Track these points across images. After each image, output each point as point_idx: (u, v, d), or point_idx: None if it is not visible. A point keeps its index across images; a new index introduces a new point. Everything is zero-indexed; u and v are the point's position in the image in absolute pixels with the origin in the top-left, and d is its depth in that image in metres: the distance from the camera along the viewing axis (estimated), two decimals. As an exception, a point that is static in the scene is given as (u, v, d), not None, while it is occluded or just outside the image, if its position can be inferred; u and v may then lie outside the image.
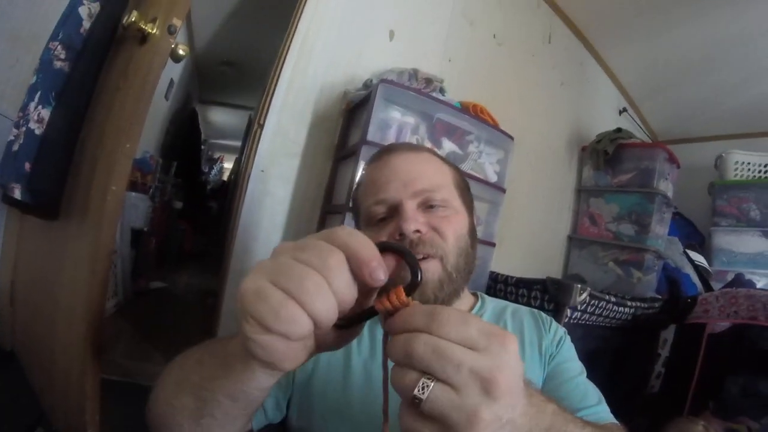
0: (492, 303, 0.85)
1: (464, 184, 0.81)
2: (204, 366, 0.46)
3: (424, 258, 0.67)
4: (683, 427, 1.39)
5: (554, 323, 0.85)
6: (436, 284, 0.67)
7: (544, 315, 0.87)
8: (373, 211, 0.74)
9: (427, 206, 0.72)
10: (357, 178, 1.63)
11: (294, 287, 0.33)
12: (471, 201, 0.81)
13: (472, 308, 0.81)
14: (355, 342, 0.72)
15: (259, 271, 0.34)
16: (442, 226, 0.70)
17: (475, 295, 0.87)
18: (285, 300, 0.32)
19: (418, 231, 0.68)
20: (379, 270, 0.34)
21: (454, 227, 0.71)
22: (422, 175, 0.73)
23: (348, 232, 0.36)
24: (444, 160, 0.82)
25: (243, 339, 0.35)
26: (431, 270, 0.67)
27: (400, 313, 0.36)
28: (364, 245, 0.35)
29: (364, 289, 0.36)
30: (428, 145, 1.78)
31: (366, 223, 0.76)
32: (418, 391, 0.31)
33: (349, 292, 0.34)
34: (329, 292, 0.33)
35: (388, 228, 0.70)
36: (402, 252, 0.39)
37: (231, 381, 0.43)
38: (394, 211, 0.71)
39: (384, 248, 0.38)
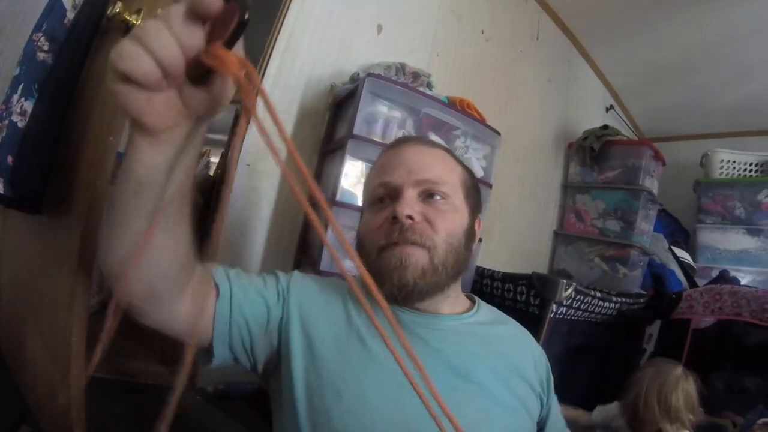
0: (487, 308, 0.85)
1: (473, 185, 0.81)
2: (122, 173, 0.45)
3: (411, 244, 0.67)
4: (662, 369, 1.38)
5: (547, 364, 0.85)
6: (418, 271, 0.67)
7: (539, 347, 0.86)
8: (375, 191, 0.75)
9: (427, 196, 0.72)
10: (343, 171, 1.64)
11: (138, 33, 0.35)
12: (478, 204, 0.81)
13: (468, 310, 0.80)
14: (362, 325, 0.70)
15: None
16: (436, 219, 0.70)
17: (471, 298, 0.86)
18: (130, 44, 0.35)
19: (410, 217, 0.68)
20: None
21: (447, 223, 0.71)
22: (429, 167, 0.74)
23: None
24: (458, 160, 0.82)
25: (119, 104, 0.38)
26: (416, 256, 0.67)
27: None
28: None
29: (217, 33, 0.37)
30: (414, 140, 1.78)
31: (368, 203, 0.78)
32: None
33: (188, 33, 0.36)
34: (168, 33, 0.35)
35: (386, 211, 0.71)
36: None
37: (131, 168, 0.43)
38: (395, 195, 0.72)
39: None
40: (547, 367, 0.84)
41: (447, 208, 0.72)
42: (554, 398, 0.84)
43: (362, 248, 0.74)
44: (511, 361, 0.75)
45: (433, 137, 1.79)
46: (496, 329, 0.80)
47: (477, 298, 0.85)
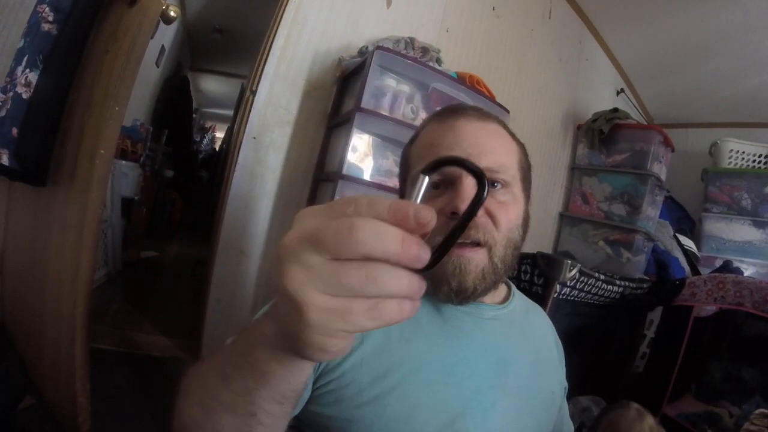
0: (518, 294, 0.80)
1: (527, 165, 0.74)
2: (232, 381, 0.41)
3: (472, 244, 0.62)
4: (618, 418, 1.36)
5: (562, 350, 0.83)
6: (478, 275, 0.62)
7: (557, 339, 0.84)
8: None
9: None
10: (350, 144, 1.61)
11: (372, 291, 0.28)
12: (530, 184, 0.74)
13: (506, 298, 0.76)
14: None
15: (310, 280, 0.28)
16: (497, 212, 0.63)
17: (506, 283, 0.80)
18: (368, 311, 0.28)
19: None
20: (425, 217, 0.28)
21: (509, 216, 0.65)
22: (489, 151, 0.65)
23: (371, 201, 0.29)
24: (512, 134, 0.74)
25: (292, 342, 0.31)
26: (476, 260, 0.62)
27: None
28: (401, 208, 0.28)
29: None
30: (423, 114, 1.75)
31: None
32: None
33: (423, 252, 0.28)
34: (404, 275, 0.28)
35: (441, 199, 0.62)
36: (458, 162, 0.35)
37: (274, 386, 0.39)
38: (450, 183, 0.63)
39: (434, 167, 0.34)
40: (562, 353, 0.83)
41: (507, 198, 0.66)
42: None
43: None
44: (543, 353, 0.75)
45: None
46: (530, 319, 0.78)
47: (511, 284, 0.81)
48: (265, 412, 0.41)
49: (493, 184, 0.65)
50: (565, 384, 0.81)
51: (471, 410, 0.61)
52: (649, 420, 1.32)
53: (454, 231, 0.34)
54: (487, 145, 0.66)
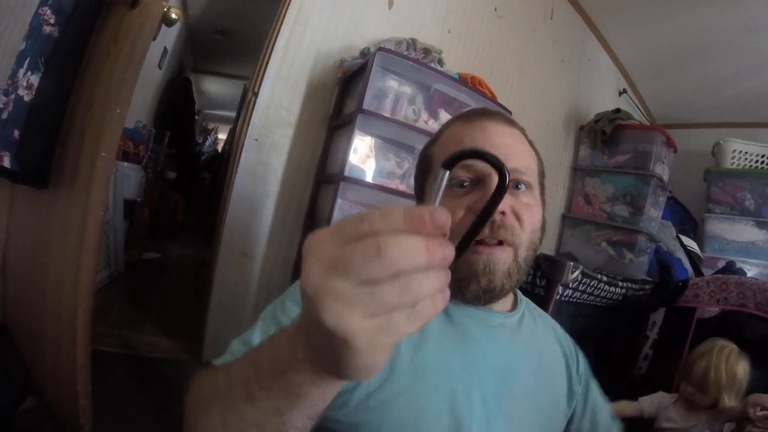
0: (525, 300, 0.80)
1: (543, 171, 0.75)
2: (261, 401, 0.40)
3: (500, 244, 0.62)
4: (723, 344, 1.47)
5: (581, 357, 0.81)
6: (505, 273, 0.62)
7: (570, 340, 0.82)
8: (456, 173, 0.65)
9: (513, 187, 0.66)
10: (351, 146, 1.61)
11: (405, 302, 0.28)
12: (544, 191, 0.74)
13: (514, 305, 0.75)
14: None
15: (347, 309, 0.28)
16: (523, 213, 0.64)
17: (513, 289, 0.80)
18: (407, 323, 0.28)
19: (503, 213, 0.62)
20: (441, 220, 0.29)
21: (533, 218, 0.65)
22: (517, 153, 0.67)
23: (385, 214, 0.29)
24: (530, 142, 0.74)
25: (337, 369, 0.31)
26: (503, 259, 0.62)
27: None
28: (417, 215, 0.28)
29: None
30: (425, 115, 1.75)
31: None
32: None
33: (449, 251, 0.29)
34: (434, 276, 0.28)
35: (469, 197, 0.63)
36: (480, 155, 0.36)
37: (309, 406, 0.39)
38: (479, 181, 0.64)
39: (455, 159, 0.35)
40: (578, 354, 0.81)
41: (531, 200, 0.67)
42: (596, 391, 0.80)
43: None
44: (548, 363, 0.74)
45: (444, 114, 1.77)
46: (537, 328, 0.77)
47: (518, 292, 0.79)
48: (296, 428, 0.41)
49: (518, 185, 0.66)
50: (585, 373, 0.79)
51: (476, 418, 0.61)
52: (745, 359, 1.41)
53: (477, 222, 0.35)
54: (515, 148, 0.67)
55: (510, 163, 0.61)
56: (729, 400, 1.35)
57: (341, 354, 0.29)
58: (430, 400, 0.59)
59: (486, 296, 0.63)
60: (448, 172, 0.34)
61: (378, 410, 0.58)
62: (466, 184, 0.65)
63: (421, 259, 0.27)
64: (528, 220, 0.64)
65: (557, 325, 0.84)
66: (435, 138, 0.76)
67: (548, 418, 0.70)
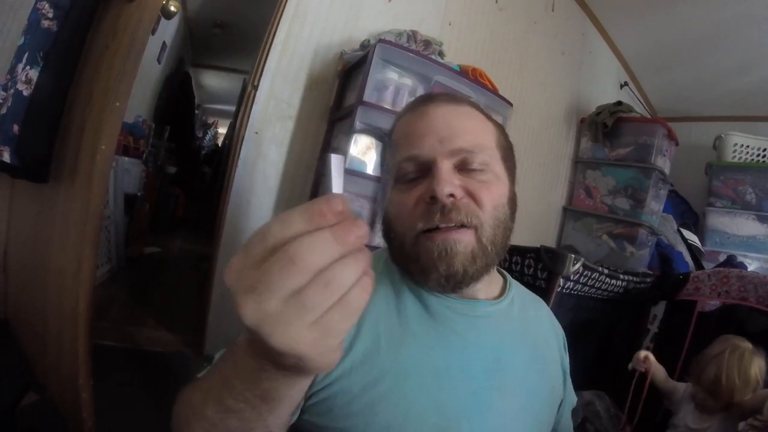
0: (516, 286, 0.78)
1: (508, 144, 0.71)
2: (242, 412, 0.41)
3: (456, 227, 0.59)
4: (736, 344, 1.42)
5: (566, 343, 0.81)
6: (467, 256, 0.59)
7: (559, 327, 0.82)
8: (403, 168, 0.64)
9: (465, 168, 0.62)
10: (352, 138, 1.60)
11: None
12: (514, 165, 0.71)
13: (502, 292, 0.73)
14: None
15: (287, 326, 0.29)
16: (480, 192, 0.60)
17: (501, 275, 0.77)
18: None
19: (452, 195, 0.59)
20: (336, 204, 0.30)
21: (492, 195, 0.62)
22: (462, 132, 0.63)
23: (281, 221, 0.30)
24: (487, 115, 0.70)
25: (299, 372, 0.34)
26: (464, 241, 0.59)
27: None
28: (312, 210, 0.29)
29: None
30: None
31: (395, 180, 0.66)
32: None
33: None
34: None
35: (419, 189, 0.61)
36: None
37: (288, 405, 0.42)
38: (427, 170, 0.61)
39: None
40: (566, 346, 0.81)
41: (488, 177, 0.63)
42: (569, 380, 0.81)
43: (393, 232, 0.64)
44: (541, 348, 0.73)
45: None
46: (528, 313, 0.75)
47: (507, 276, 0.78)
48: (278, 426, 0.43)
49: (470, 168, 0.63)
50: (567, 369, 0.79)
51: (467, 413, 0.59)
52: (762, 356, 1.37)
53: None
54: (459, 127, 0.64)
55: (457, 143, 0.61)
56: (747, 400, 1.32)
57: (301, 364, 0.30)
58: (416, 401, 0.58)
59: (450, 283, 0.60)
60: (333, 156, 0.34)
61: (363, 414, 0.57)
62: (415, 175, 0.63)
63: (332, 250, 0.28)
64: (486, 198, 0.61)
65: (549, 311, 0.83)
66: (390, 132, 0.73)
67: (545, 405, 0.70)
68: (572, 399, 0.82)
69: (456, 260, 0.59)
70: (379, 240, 1.70)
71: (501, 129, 0.71)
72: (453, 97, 0.70)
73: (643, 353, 1.46)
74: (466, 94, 1.81)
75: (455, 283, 0.60)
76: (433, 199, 0.58)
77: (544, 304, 0.83)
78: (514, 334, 0.69)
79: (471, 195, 0.60)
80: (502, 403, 0.62)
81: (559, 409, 0.76)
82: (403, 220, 0.62)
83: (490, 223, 0.61)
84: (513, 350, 0.67)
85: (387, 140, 0.74)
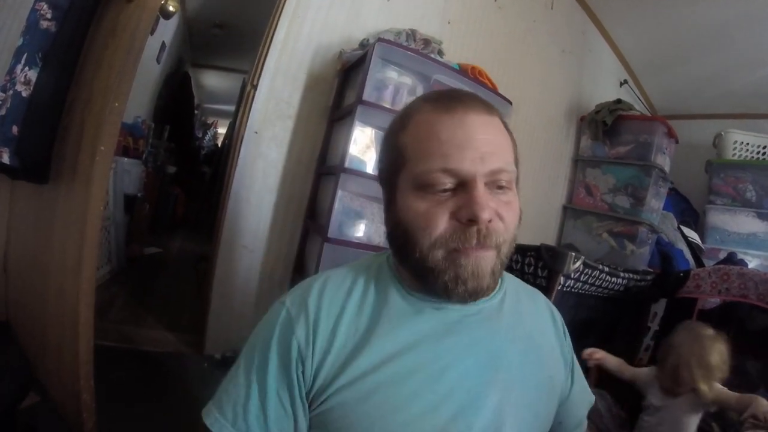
0: (510, 279, 0.77)
1: (517, 158, 0.69)
2: None
3: (483, 248, 0.59)
4: (696, 332, 1.44)
5: (566, 331, 0.81)
6: (490, 273, 0.60)
7: (558, 314, 0.81)
8: (436, 178, 0.59)
9: (494, 186, 0.61)
10: (352, 137, 1.60)
11: None
12: (518, 179, 0.69)
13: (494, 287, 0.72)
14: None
15: None
16: (506, 213, 0.60)
17: None
18: None
19: (489, 220, 0.58)
20: None
21: (515, 214, 0.62)
22: (499, 150, 0.61)
23: None
24: (506, 125, 0.68)
25: None
26: (487, 260, 0.60)
27: None
28: None
29: None
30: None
31: (417, 186, 0.61)
32: None
33: None
34: None
35: (452, 202, 0.59)
36: None
37: None
38: (462, 186, 0.59)
39: None
40: (566, 331, 0.80)
41: (511, 197, 0.62)
42: (578, 369, 0.80)
43: (410, 242, 0.61)
44: (537, 339, 0.72)
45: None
46: (521, 306, 0.74)
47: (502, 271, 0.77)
48: None
49: (499, 184, 0.61)
50: (571, 360, 0.78)
51: (463, 412, 0.59)
52: (722, 342, 1.38)
53: None
54: (496, 143, 0.62)
55: (495, 164, 0.59)
56: (709, 388, 1.34)
57: None
58: (411, 407, 0.58)
59: (472, 297, 0.61)
60: None
61: (360, 424, 0.57)
62: (448, 188, 0.60)
63: None
64: (511, 219, 0.61)
65: (547, 300, 0.82)
66: (403, 124, 0.66)
67: (543, 397, 0.69)
68: (585, 396, 0.81)
69: (484, 280, 0.60)
70: (379, 240, 1.69)
71: (513, 140, 0.69)
72: (485, 105, 0.66)
73: (586, 352, 1.47)
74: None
75: (477, 297, 0.62)
76: (471, 221, 0.57)
77: (542, 295, 0.83)
78: (506, 328, 0.68)
79: (499, 216, 0.60)
80: (498, 398, 0.62)
81: (566, 402, 0.76)
82: (430, 233, 0.60)
83: (509, 241, 0.62)
84: (506, 345, 0.67)
85: (398, 135, 0.67)
